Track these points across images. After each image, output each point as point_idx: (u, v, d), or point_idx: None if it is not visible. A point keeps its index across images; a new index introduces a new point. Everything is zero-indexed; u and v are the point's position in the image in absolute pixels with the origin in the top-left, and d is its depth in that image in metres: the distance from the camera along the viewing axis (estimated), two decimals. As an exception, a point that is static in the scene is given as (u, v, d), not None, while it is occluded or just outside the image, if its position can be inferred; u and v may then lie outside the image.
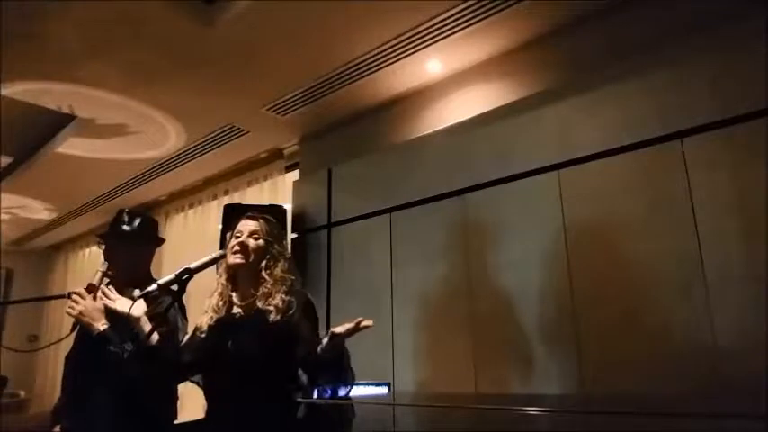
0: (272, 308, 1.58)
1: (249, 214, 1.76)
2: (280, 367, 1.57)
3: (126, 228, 2.10)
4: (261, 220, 1.73)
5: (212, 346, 1.63)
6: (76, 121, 3.70)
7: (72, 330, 1.94)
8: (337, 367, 1.57)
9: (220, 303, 1.68)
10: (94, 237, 2.29)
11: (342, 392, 1.82)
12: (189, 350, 1.67)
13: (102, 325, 1.77)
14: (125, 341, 1.71)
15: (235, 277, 1.69)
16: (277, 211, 3.09)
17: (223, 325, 1.65)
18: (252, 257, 1.65)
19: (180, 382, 1.85)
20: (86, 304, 1.81)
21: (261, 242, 1.68)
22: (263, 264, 1.66)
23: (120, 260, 2.04)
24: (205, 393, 1.66)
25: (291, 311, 1.59)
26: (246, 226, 1.71)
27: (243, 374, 1.56)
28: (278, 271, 1.65)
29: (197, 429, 1.72)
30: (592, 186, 2.25)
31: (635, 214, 2.12)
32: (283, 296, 1.61)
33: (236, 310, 1.67)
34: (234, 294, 1.69)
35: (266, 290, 1.62)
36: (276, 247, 1.70)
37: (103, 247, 2.13)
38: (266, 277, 1.64)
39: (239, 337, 1.60)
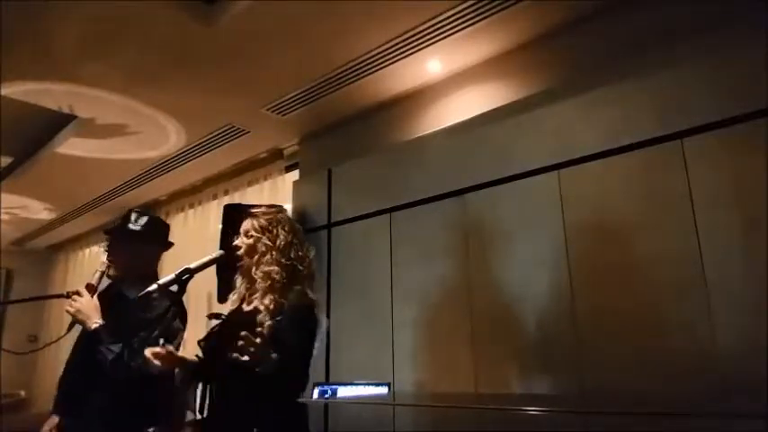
0: (262, 307, 1.58)
1: (247, 212, 1.78)
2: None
3: (130, 226, 2.09)
4: (251, 218, 1.74)
5: (211, 345, 1.64)
6: (76, 121, 3.70)
7: (68, 330, 1.94)
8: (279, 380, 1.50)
9: (233, 302, 1.72)
10: (102, 232, 2.26)
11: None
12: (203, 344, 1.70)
13: (95, 323, 1.78)
14: (116, 342, 1.73)
15: (246, 276, 1.71)
16: (277, 211, 3.10)
17: (225, 325, 1.67)
18: (245, 261, 1.67)
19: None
20: (83, 302, 1.82)
21: (250, 240, 1.69)
22: (254, 260, 1.66)
23: (120, 258, 2.04)
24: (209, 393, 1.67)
25: (280, 316, 1.54)
26: (243, 226, 1.74)
27: (231, 374, 1.56)
28: (263, 265, 1.64)
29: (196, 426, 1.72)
30: (592, 186, 2.25)
31: (635, 214, 2.12)
32: (275, 296, 1.58)
33: (246, 307, 1.68)
34: (248, 293, 1.71)
35: (260, 287, 1.62)
36: (265, 240, 1.67)
37: (107, 243, 2.12)
38: (254, 274, 1.64)
39: (224, 331, 1.61)
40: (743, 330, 1.80)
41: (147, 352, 1.51)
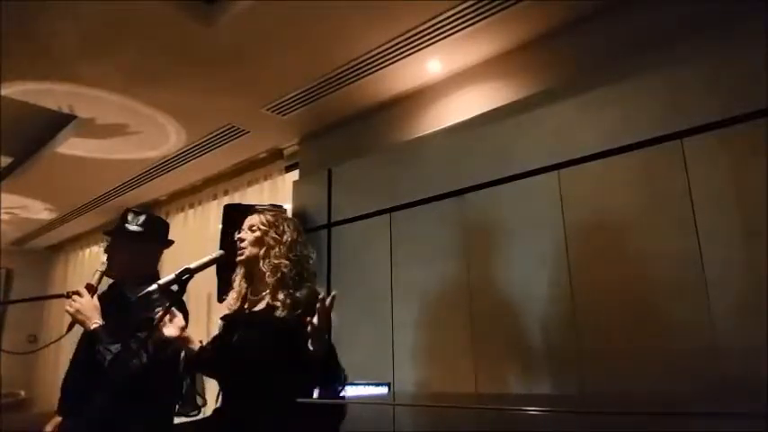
0: (278, 303, 1.58)
1: (252, 209, 1.79)
2: (284, 363, 1.56)
3: (129, 226, 2.07)
4: (258, 214, 1.74)
5: (220, 341, 1.64)
6: (76, 121, 3.70)
7: (68, 330, 1.94)
8: (327, 365, 1.53)
9: (232, 300, 1.71)
10: (102, 233, 2.25)
11: (337, 390, 1.79)
12: (209, 346, 1.70)
13: (94, 323, 1.78)
14: (115, 342, 1.73)
15: (249, 273, 1.70)
16: (277, 210, 3.11)
17: (233, 321, 1.67)
18: (249, 250, 1.66)
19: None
20: (83, 302, 1.83)
21: (257, 233, 1.68)
22: (261, 253, 1.66)
23: (118, 258, 2.04)
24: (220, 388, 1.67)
25: (299, 310, 1.56)
26: (247, 221, 1.74)
27: (247, 369, 1.56)
28: (272, 258, 1.64)
29: (204, 425, 1.72)
30: (592, 186, 2.25)
31: (635, 214, 2.12)
32: (290, 291, 1.60)
33: (249, 306, 1.68)
34: (249, 290, 1.71)
35: (270, 282, 1.62)
36: (272, 234, 1.68)
37: (107, 244, 2.12)
38: (263, 267, 1.64)
39: (243, 332, 1.61)
40: (743, 330, 1.80)
41: (166, 318, 1.56)
